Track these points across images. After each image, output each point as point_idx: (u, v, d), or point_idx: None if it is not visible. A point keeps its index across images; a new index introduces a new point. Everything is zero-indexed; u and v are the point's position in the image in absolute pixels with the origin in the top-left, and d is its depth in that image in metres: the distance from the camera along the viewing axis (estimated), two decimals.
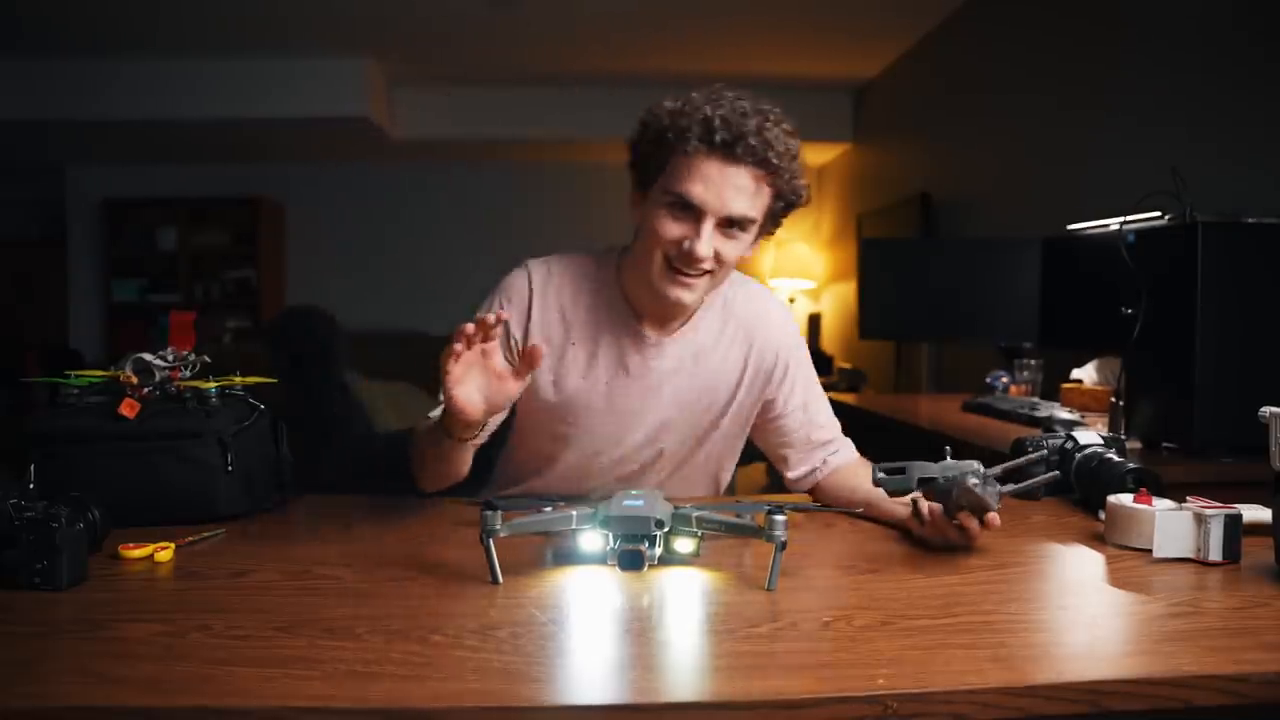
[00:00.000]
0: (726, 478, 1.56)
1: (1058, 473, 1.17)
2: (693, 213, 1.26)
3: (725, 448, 1.51)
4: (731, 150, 1.22)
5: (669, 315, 1.40)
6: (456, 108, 5.84)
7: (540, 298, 1.41)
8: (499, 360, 1.14)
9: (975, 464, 1.10)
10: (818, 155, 6.60)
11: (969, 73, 4.23)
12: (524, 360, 1.12)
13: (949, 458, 1.13)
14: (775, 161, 1.25)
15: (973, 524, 1.12)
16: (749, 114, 1.24)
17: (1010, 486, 1.15)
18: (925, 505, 1.15)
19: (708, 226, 1.25)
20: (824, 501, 1.45)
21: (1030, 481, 1.19)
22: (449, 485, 1.34)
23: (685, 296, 1.31)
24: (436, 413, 1.29)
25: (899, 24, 4.60)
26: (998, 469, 1.14)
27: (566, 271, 1.43)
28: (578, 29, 4.71)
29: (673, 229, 1.27)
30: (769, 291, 1.54)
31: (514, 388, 1.15)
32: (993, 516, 1.10)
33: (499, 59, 5.26)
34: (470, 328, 1.10)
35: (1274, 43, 2.38)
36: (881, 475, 1.14)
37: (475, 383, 1.13)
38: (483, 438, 1.35)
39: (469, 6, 4.37)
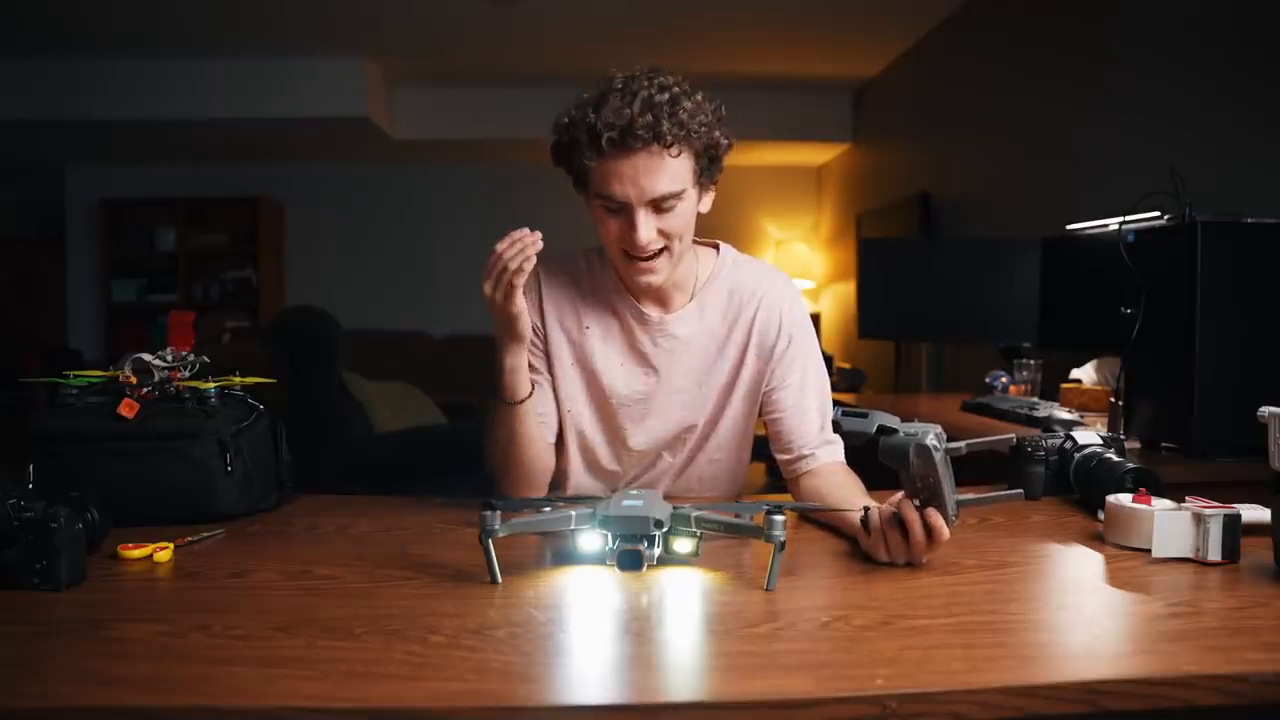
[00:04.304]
0: (746, 460, 1.55)
1: (1021, 490, 1.16)
2: (622, 207, 1.31)
3: (739, 428, 1.51)
4: (625, 144, 1.26)
5: (658, 296, 1.45)
6: (456, 108, 5.84)
7: (549, 293, 1.48)
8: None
9: (936, 427, 1.08)
10: (818, 155, 6.60)
11: (969, 73, 4.23)
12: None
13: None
14: (673, 133, 1.27)
15: (913, 517, 1.06)
16: (632, 99, 1.26)
17: (970, 496, 1.13)
18: (875, 515, 1.12)
19: (639, 216, 1.30)
20: (797, 496, 1.44)
21: (990, 494, 1.19)
22: (542, 478, 1.43)
23: (653, 279, 1.37)
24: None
25: (899, 24, 4.61)
26: (962, 444, 1.12)
27: (568, 268, 1.50)
28: (578, 29, 4.71)
29: (612, 227, 1.34)
30: (778, 271, 1.57)
31: None
32: (938, 524, 1.06)
33: (499, 59, 5.26)
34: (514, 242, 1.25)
35: (1274, 43, 2.38)
36: (843, 417, 1.12)
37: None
38: (549, 421, 1.44)
39: (468, 6, 4.37)
